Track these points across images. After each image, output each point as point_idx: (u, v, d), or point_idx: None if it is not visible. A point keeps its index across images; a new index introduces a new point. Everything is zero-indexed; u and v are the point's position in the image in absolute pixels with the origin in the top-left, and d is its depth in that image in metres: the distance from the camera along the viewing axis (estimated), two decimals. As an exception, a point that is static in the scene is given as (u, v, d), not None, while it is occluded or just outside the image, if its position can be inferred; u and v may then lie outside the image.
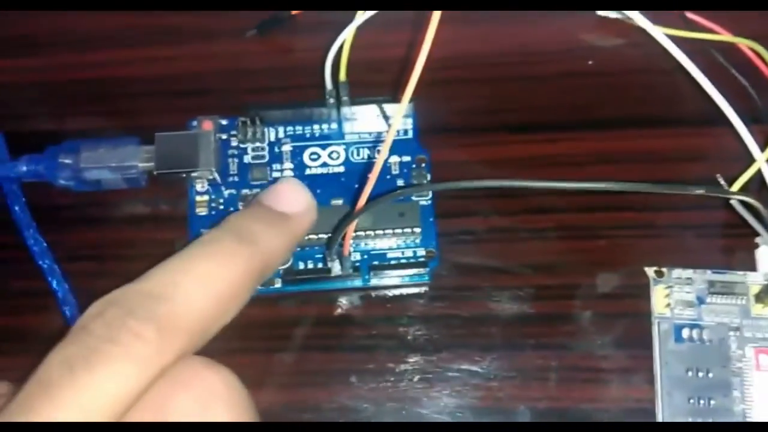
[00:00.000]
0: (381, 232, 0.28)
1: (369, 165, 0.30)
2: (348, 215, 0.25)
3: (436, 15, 0.21)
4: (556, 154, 0.31)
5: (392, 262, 0.29)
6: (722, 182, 0.24)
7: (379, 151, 0.30)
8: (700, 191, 0.23)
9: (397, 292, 0.29)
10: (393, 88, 0.30)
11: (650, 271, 0.28)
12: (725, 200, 0.28)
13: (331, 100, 0.29)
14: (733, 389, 0.27)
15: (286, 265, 0.28)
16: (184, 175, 0.29)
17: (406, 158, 0.30)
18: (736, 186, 0.26)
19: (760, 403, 0.26)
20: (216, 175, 0.29)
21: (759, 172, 0.25)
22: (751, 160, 0.26)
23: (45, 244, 0.30)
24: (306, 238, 0.28)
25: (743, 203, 0.26)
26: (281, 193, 0.23)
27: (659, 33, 0.27)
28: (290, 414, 0.28)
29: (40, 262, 0.29)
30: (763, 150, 0.24)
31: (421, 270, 0.28)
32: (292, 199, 0.23)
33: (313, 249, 0.28)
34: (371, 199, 0.24)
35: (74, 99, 0.33)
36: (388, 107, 0.30)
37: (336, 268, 0.28)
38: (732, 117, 0.25)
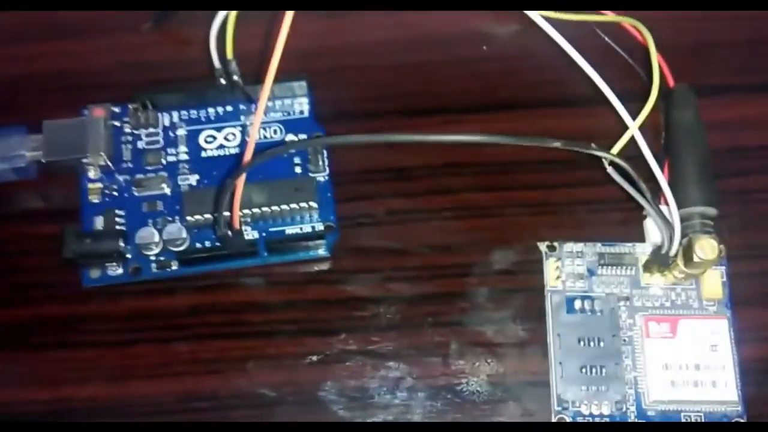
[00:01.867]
0: (277, 208, 0.28)
1: (266, 144, 0.30)
2: (232, 170, 0.25)
3: (289, 14, 0.21)
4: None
5: (290, 237, 0.28)
6: (594, 147, 0.25)
7: (275, 131, 0.30)
8: (557, 144, 0.23)
9: (296, 272, 0.29)
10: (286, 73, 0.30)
11: (542, 246, 0.29)
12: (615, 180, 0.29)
13: (222, 81, 0.29)
14: (624, 357, 0.27)
15: (183, 247, 0.28)
16: (75, 163, 0.28)
17: (303, 136, 0.30)
18: (613, 151, 0.26)
19: (651, 369, 0.27)
20: (107, 161, 0.28)
21: (634, 141, 0.26)
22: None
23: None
24: (202, 218, 0.28)
25: (619, 171, 0.26)
26: None
27: (539, 17, 0.28)
28: (187, 404, 0.27)
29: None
30: (634, 119, 0.24)
31: (319, 242, 0.28)
32: None
33: (210, 230, 0.28)
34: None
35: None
36: (277, 88, 0.30)
37: (231, 245, 0.27)
38: (607, 92, 0.25)
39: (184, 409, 0.27)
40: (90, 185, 0.29)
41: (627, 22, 0.30)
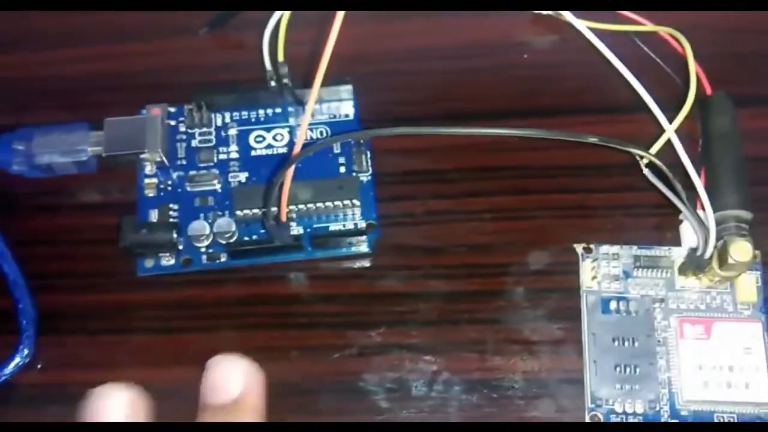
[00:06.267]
0: (321, 205, 0.29)
1: (311, 144, 0.31)
2: (279, 167, 0.26)
3: (340, 14, 0.23)
4: (495, 141, 0.32)
5: (334, 233, 0.30)
6: (631, 145, 0.26)
7: (321, 132, 0.32)
8: (594, 139, 0.24)
9: (338, 267, 0.30)
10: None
11: (579, 248, 0.29)
12: (651, 182, 0.29)
13: (272, 83, 0.30)
14: (658, 357, 0.28)
15: (232, 240, 0.29)
16: (133, 158, 0.30)
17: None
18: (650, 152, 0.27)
19: (685, 369, 0.27)
20: (163, 157, 0.30)
21: (671, 149, 0.26)
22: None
23: (-3, 229, 0.30)
24: (251, 213, 0.29)
25: (655, 173, 0.27)
26: (217, 385, 0.20)
27: (585, 27, 0.29)
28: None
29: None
30: (671, 122, 0.25)
31: (361, 239, 0.29)
32: (230, 383, 0.20)
33: (258, 224, 0.29)
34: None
35: (31, 95, 0.34)
36: (324, 91, 0.31)
37: (278, 238, 0.29)
38: (645, 97, 0.26)
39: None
40: (146, 180, 0.30)
41: (665, 31, 0.31)
